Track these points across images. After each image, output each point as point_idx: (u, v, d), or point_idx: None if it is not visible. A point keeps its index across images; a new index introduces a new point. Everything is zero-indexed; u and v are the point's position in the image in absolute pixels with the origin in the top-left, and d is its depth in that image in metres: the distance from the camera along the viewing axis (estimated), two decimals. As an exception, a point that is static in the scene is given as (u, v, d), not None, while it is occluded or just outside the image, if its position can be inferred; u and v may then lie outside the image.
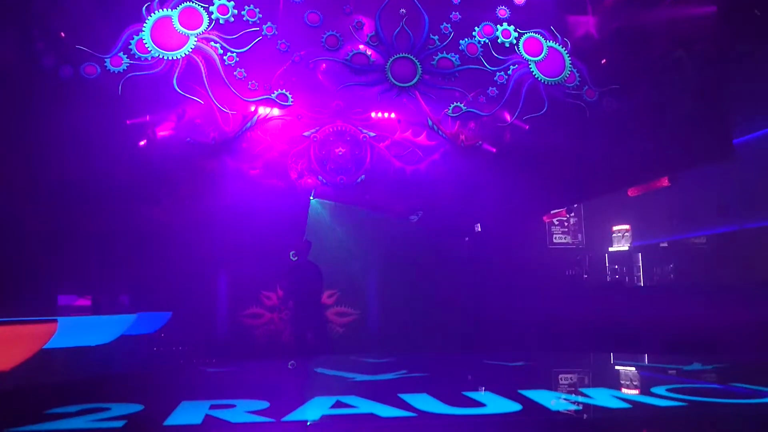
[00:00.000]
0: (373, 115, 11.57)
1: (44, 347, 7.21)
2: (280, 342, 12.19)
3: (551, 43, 10.93)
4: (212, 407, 4.95)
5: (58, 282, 10.03)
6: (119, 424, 4.43)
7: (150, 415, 4.84)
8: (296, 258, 11.63)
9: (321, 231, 12.84)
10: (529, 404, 4.94)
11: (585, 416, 4.86)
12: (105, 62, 9.38)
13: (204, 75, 9.77)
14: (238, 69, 9.90)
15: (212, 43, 9.78)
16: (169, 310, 11.06)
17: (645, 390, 5.80)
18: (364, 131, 11.60)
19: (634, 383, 6.99)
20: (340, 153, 11.51)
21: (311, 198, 13.06)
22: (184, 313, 11.24)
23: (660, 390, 5.51)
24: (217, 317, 12.29)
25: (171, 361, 10.20)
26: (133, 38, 9.50)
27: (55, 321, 7.31)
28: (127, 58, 9.45)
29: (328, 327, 12.31)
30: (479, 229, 14.37)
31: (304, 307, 10.57)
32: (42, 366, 7.45)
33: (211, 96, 9.94)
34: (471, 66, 10.61)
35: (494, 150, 11.50)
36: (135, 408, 5.02)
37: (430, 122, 11.17)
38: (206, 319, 11.97)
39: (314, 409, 4.92)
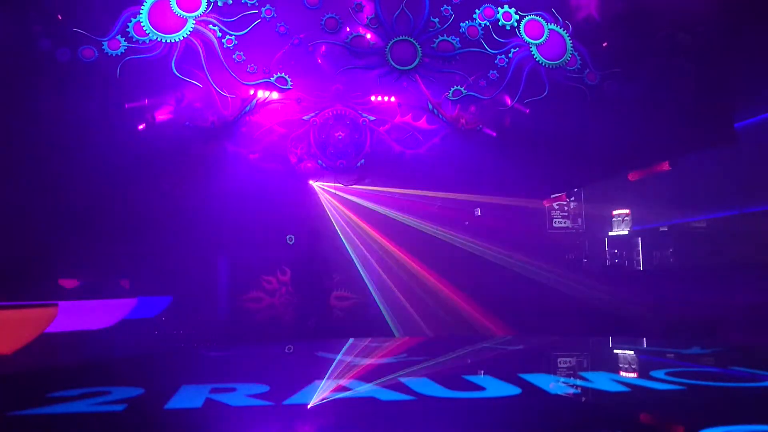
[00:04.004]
0: (372, 98, 11.51)
1: (45, 331, 7.23)
2: (280, 326, 12.22)
3: (552, 26, 10.85)
4: (212, 391, 4.97)
5: (59, 266, 10.04)
6: (120, 407, 4.45)
7: (150, 399, 4.85)
8: (292, 242, 11.63)
9: (320, 215, 12.81)
10: (528, 388, 4.97)
11: (584, 399, 4.89)
12: (102, 45, 9.32)
13: (202, 58, 9.71)
14: (237, 52, 9.84)
15: (211, 26, 9.71)
16: (169, 295, 11.07)
17: (644, 374, 5.83)
18: (364, 115, 11.54)
19: (633, 367, 7.02)
20: (340, 137, 11.47)
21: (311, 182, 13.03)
22: (185, 297, 11.26)
23: (659, 374, 5.54)
24: (218, 301, 12.31)
25: (172, 345, 10.24)
26: (130, 21, 9.43)
27: (56, 305, 7.32)
28: (124, 41, 9.39)
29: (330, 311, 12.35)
30: (479, 214, 14.35)
31: (311, 292, 10.63)
32: (43, 350, 7.48)
33: (210, 80, 9.89)
34: (471, 49, 10.54)
35: (495, 134, 11.45)
36: (136, 391, 5.03)
37: (430, 106, 11.12)
38: (207, 303, 11.99)
39: (314, 393, 4.95)
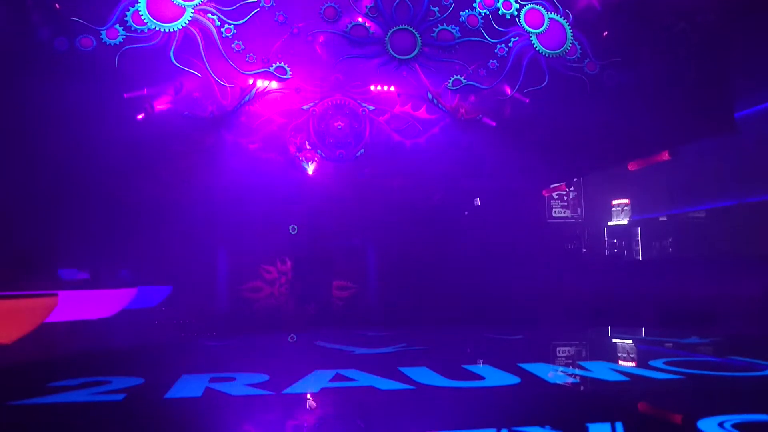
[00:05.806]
0: (372, 88, 11.45)
1: (45, 321, 7.24)
2: (279, 315, 12.24)
3: (552, 15, 10.79)
4: (212, 380, 4.98)
5: (59, 256, 10.04)
6: (120, 397, 4.47)
7: (150, 389, 4.87)
8: (295, 231, 11.64)
9: (320, 206, 12.79)
10: (527, 377, 4.98)
11: (582, 389, 4.90)
12: (101, 34, 9.26)
13: (201, 47, 9.66)
14: (236, 41, 9.78)
15: (209, 15, 9.65)
16: (169, 284, 11.07)
17: (643, 363, 5.85)
18: (364, 105, 11.50)
19: (632, 356, 7.04)
20: (339, 127, 11.43)
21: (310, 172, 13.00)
22: (185, 287, 11.27)
23: (658, 363, 5.55)
24: (218, 291, 12.30)
25: (171, 335, 10.26)
26: (129, 10, 9.36)
27: (56, 295, 7.32)
28: (123, 30, 9.33)
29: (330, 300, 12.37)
30: (478, 203, 14.34)
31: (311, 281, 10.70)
32: (43, 340, 7.49)
33: (209, 69, 9.83)
34: (471, 38, 10.48)
35: (494, 123, 11.42)
36: (136, 381, 5.05)
37: (429, 95, 11.07)
38: (206, 292, 11.99)
39: (314, 382, 4.96)
